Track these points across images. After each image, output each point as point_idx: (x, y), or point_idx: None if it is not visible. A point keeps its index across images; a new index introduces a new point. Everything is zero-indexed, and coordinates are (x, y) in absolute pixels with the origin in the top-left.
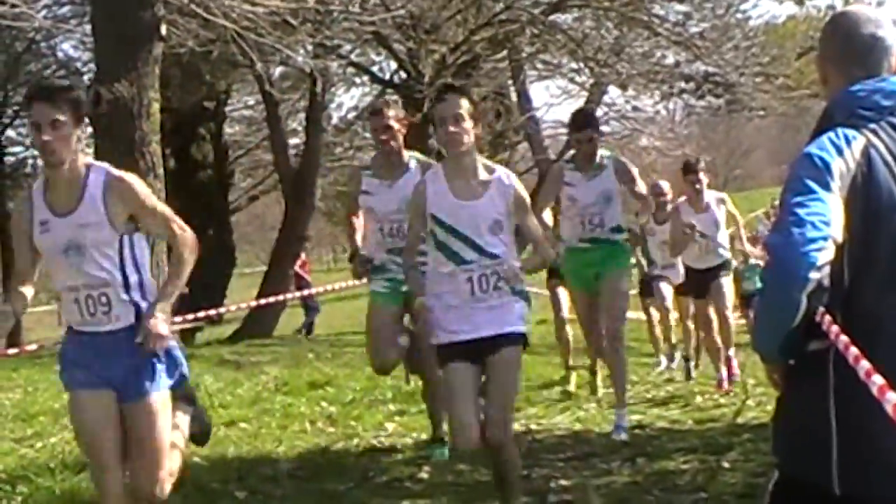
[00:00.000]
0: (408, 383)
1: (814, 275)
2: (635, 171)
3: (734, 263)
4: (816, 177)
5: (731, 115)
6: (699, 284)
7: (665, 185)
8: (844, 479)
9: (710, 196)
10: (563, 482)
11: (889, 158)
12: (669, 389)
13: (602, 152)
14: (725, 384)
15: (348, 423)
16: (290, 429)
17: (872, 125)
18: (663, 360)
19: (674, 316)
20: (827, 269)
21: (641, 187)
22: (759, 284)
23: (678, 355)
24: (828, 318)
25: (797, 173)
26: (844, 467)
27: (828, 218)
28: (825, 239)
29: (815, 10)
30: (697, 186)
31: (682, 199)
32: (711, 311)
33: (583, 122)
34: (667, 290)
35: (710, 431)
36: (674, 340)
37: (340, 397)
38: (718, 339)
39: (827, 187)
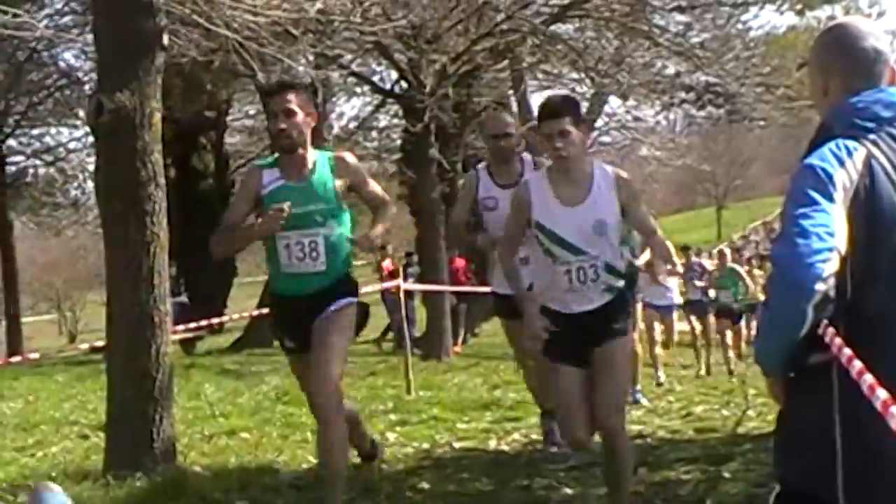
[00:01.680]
0: None
1: (820, 286)
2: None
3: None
4: (820, 188)
5: (732, 125)
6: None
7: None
8: (850, 493)
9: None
10: (565, 492)
11: (890, 169)
12: (671, 399)
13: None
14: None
15: None
16: (290, 438)
17: (872, 136)
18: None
19: None
20: (832, 281)
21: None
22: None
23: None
24: (831, 330)
25: (800, 185)
26: (850, 481)
27: (832, 229)
28: (830, 250)
29: (815, 21)
30: (559, 145)
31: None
32: None
33: None
34: None
35: (710, 441)
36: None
37: None
38: None
39: (830, 198)
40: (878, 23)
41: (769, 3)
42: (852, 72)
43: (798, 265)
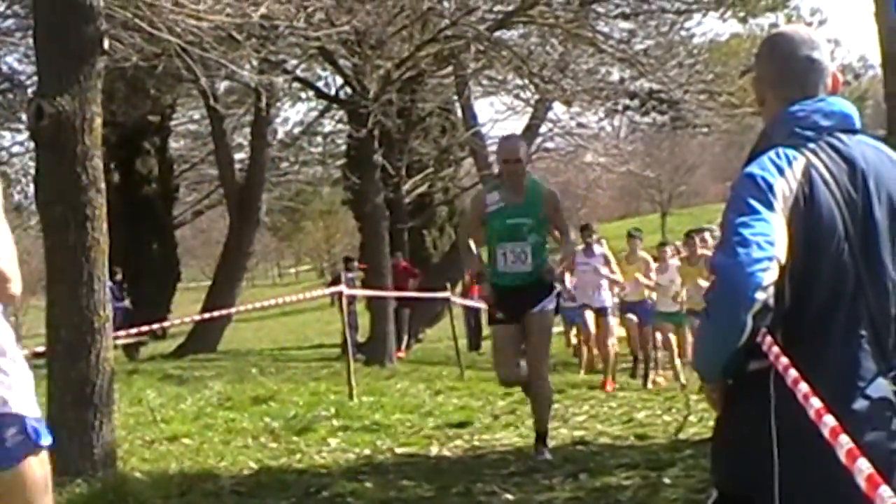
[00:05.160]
0: None
1: (760, 295)
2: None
3: None
4: (759, 197)
5: (676, 131)
6: None
7: None
8: (786, 499)
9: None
10: (506, 497)
11: (829, 178)
12: (612, 405)
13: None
14: None
15: (291, 438)
16: (232, 444)
17: (812, 145)
18: None
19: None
20: (772, 290)
21: None
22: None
23: None
24: (768, 338)
25: (740, 193)
26: (786, 487)
27: (772, 238)
28: (770, 259)
29: (758, 29)
30: None
31: None
32: None
33: None
34: None
35: (651, 447)
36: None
37: (283, 412)
38: None
39: (770, 207)
40: (818, 31)
41: (712, 11)
42: (785, 82)
43: (738, 274)
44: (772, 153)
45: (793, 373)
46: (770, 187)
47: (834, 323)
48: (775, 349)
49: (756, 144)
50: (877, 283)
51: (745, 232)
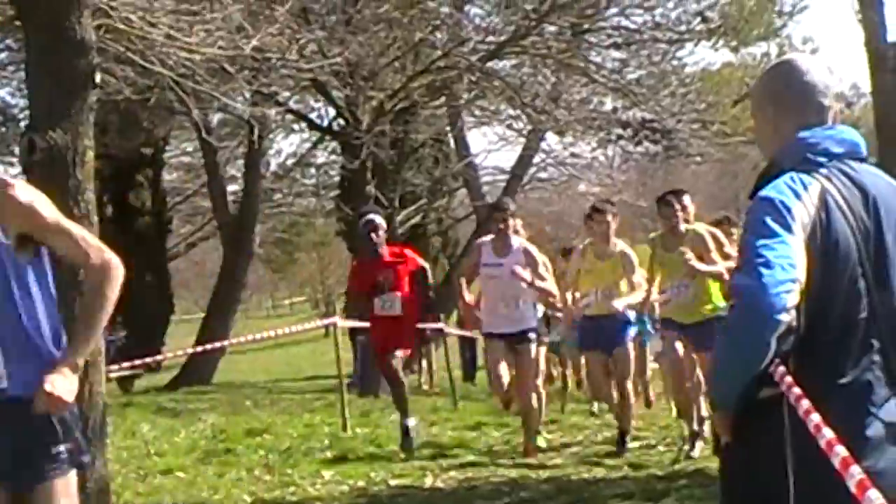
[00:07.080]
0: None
1: (784, 317)
2: None
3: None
4: (779, 219)
5: (669, 161)
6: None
7: None
8: None
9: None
10: None
11: (843, 205)
12: (607, 435)
13: None
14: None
15: (285, 470)
16: (226, 477)
17: (824, 171)
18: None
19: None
20: (794, 312)
21: None
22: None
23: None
24: (781, 368)
25: (758, 216)
26: None
27: (794, 260)
28: (793, 281)
29: (750, 58)
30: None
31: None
32: None
33: None
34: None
35: (646, 477)
36: None
37: (277, 445)
38: None
39: (790, 230)
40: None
41: (704, 40)
42: (803, 107)
43: (763, 296)
44: (786, 178)
45: (805, 403)
46: (789, 210)
47: (847, 349)
48: (788, 379)
49: (764, 171)
50: (888, 310)
51: (768, 254)
